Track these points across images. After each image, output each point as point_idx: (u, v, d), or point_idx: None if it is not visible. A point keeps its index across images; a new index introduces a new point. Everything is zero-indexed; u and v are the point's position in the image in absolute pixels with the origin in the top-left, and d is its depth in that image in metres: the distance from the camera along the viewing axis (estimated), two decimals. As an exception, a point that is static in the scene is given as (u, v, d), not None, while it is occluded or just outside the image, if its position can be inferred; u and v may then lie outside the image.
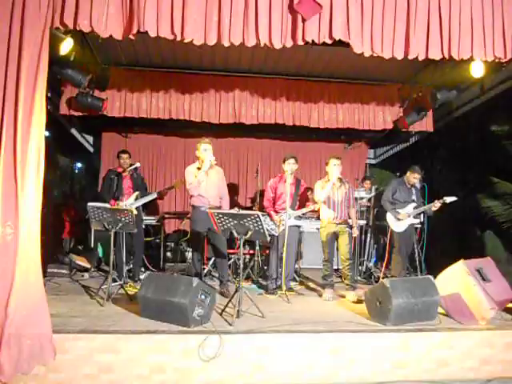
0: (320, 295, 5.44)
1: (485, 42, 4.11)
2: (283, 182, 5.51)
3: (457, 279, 4.38)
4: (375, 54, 4.03)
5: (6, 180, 3.46)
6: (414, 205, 5.97)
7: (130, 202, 5.67)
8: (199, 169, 5.19)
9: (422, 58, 4.11)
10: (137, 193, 5.81)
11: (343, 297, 5.30)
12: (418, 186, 6.18)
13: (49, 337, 3.41)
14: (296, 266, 6.20)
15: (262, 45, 3.92)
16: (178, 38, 3.80)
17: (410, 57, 4.07)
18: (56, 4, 3.63)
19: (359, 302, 4.87)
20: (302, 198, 5.64)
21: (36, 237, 3.53)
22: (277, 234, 5.30)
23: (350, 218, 5.53)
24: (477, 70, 5.32)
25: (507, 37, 4.10)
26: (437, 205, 5.74)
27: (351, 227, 5.48)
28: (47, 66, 3.63)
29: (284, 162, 5.49)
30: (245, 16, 3.86)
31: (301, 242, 6.44)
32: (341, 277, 5.81)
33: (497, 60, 4.20)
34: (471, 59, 4.25)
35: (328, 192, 5.39)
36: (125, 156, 5.91)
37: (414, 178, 6.00)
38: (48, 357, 3.38)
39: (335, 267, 6.03)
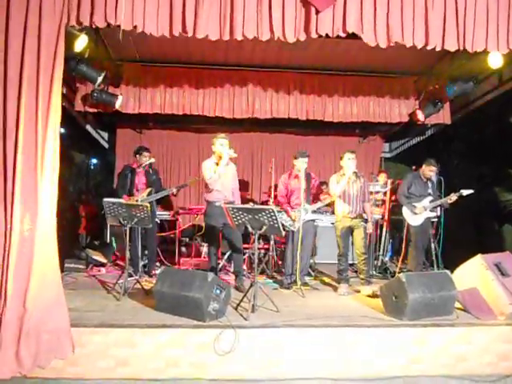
0: (335, 290, 5.42)
1: (498, 33, 4.02)
2: (294, 177, 5.51)
3: (475, 274, 4.33)
4: (392, 43, 3.96)
5: (25, 175, 3.47)
6: (430, 198, 5.90)
7: (143, 198, 5.71)
8: (217, 164, 5.21)
9: (438, 48, 4.04)
10: (150, 189, 5.86)
11: (358, 291, 5.26)
12: (434, 179, 6.10)
13: (66, 331, 3.47)
14: (311, 260, 6.19)
15: (275, 38, 3.90)
16: (190, 34, 3.80)
17: (429, 47, 4.01)
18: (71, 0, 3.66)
19: (374, 296, 4.84)
20: (315, 192, 5.63)
21: (53, 232, 3.58)
22: (295, 230, 5.29)
23: (364, 212, 5.50)
24: (495, 61, 5.24)
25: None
26: (453, 198, 5.66)
27: (366, 221, 5.46)
28: (63, 62, 3.66)
29: (295, 158, 5.48)
30: (258, 10, 3.83)
31: (315, 236, 6.41)
32: (356, 271, 5.78)
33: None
34: (485, 51, 4.17)
35: (343, 186, 5.37)
36: (146, 154, 5.98)
37: (429, 171, 5.92)
38: (65, 351, 3.44)
39: (350, 262, 5.99)
